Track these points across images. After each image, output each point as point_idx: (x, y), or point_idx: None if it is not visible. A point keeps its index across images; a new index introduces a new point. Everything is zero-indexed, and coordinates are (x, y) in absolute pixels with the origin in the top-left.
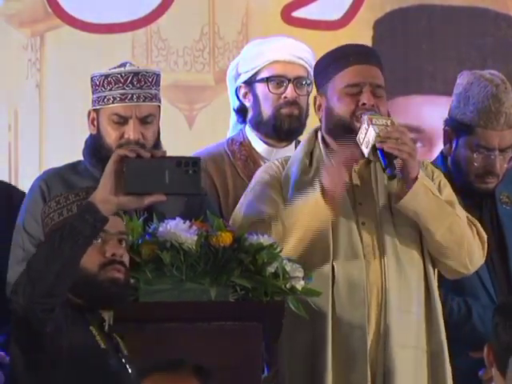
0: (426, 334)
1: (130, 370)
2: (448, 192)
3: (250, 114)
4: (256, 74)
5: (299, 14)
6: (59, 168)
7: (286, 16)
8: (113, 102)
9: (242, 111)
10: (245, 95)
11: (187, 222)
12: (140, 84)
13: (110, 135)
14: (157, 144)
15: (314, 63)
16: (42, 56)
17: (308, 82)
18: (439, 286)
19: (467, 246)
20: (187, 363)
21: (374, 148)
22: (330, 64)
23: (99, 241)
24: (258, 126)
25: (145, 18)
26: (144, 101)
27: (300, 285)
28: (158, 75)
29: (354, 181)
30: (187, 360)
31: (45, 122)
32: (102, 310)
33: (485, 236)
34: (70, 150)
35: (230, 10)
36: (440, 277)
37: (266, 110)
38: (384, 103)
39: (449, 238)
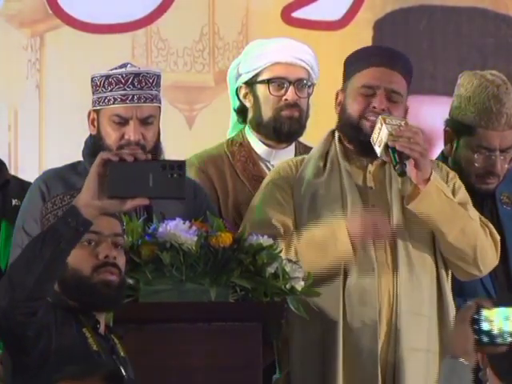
0: (439, 336)
1: (124, 372)
2: (462, 194)
3: (250, 115)
4: (257, 75)
5: (299, 14)
6: (59, 168)
7: (286, 16)
8: (113, 103)
9: (242, 111)
10: (245, 96)
11: (187, 223)
12: (141, 85)
13: (111, 136)
14: (157, 145)
15: (315, 64)
16: (41, 56)
17: (309, 83)
18: None
19: (480, 248)
20: (102, 370)
21: (386, 146)
22: (354, 62)
23: (92, 243)
24: (258, 127)
25: (145, 19)
26: (145, 102)
27: (300, 285)
28: (159, 76)
29: (369, 183)
30: (104, 366)
31: (44, 122)
32: (96, 311)
33: (498, 237)
34: (69, 150)
35: (230, 11)
36: None
37: (267, 112)
38: (398, 109)
39: (461, 240)
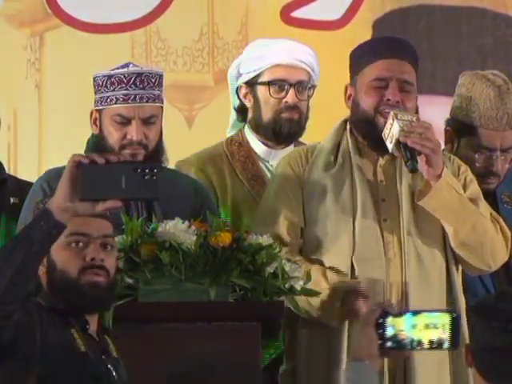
0: None
1: (114, 373)
2: (473, 188)
3: (249, 115)
4: (258, 76)
5: (298, 14)
6: (61, 168)
7: (286, 16)
8: (116, 103)
9: (242, 110)
10: (245, 95)
11: (186, 222)
12: (143, 85)
13: (113, 136)
14: (159, 145)
15: (316, 65)
16: (41, 56)
17: (309, 85)
18: None
19: (490, 244)
20: None
21: (397, 142)
22: (362, 55)
23: (81, 245)
24: (258, 128)
25: (144, 18)
26: (147, 101)
27: (299, 285)
28: (161, 76)
29: (379, 177)
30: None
31: (44, 122)
32: (85, 313)
33: (508, 233)
34: (69, 150)
35: (230, 10)
36: None
37: (266, 114)
38: (411, 99)
39: (472, 237)
